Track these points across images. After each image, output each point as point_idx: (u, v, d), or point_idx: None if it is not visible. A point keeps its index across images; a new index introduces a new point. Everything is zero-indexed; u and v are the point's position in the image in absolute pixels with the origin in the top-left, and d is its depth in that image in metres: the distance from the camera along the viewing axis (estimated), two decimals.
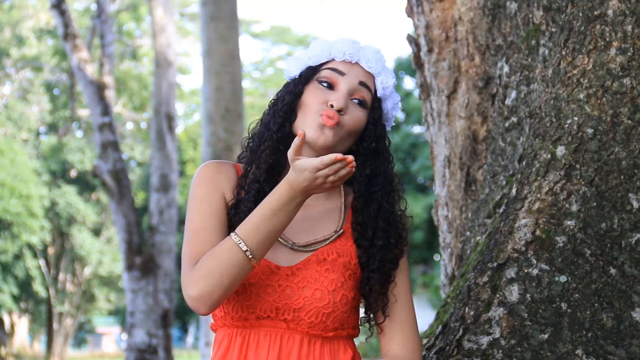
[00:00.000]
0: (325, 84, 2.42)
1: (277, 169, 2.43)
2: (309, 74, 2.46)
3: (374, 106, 2.46)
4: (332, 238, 2.42)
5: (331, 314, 2.34)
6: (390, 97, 2.50)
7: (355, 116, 2.41)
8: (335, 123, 2.36)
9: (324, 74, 2.43)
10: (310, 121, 2.38)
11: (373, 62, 2.45)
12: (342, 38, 2.48)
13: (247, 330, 2.35)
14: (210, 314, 2.43)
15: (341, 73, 2.42)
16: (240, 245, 2.24)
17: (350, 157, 2.16)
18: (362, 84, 2.43)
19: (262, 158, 2.43)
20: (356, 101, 2.42)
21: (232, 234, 2.27)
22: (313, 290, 2.33)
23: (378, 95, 2.47)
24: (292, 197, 2.23)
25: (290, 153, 2.21)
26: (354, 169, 2.19)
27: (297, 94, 2.44)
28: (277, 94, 2.50)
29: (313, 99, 2.40)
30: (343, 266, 2.39)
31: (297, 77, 2.48)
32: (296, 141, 2.19)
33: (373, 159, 2.46)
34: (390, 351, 2.42)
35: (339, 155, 2.16)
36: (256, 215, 2.26)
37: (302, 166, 2.19)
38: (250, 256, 2.24)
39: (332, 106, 2.37)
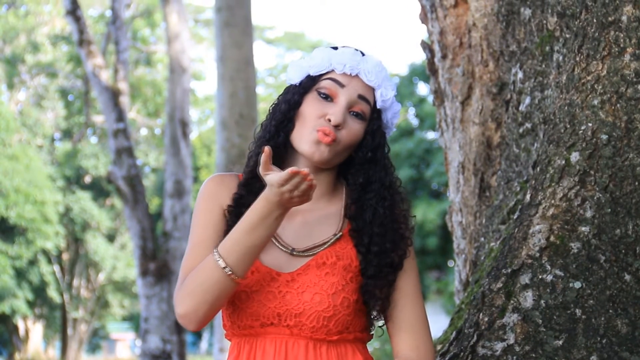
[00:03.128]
0: (324, 96, 2.41)
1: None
2: (309, 83, 2.45)
3: (372, 117, 2.45)
4: (331, 241, 2.41)
5: (332, 317, 2.33)
6: (390, 108, 2.49)
7: (353, 129, 2.41)
8: (332, 140, 2.36)
9: (324, 84, 2.42)
10: (307, 135, 2.38)
11: (373, 75, 2.43)
12: (343, 48, 2.47)
13: (254, 338, 2.36)
14: (222, 324, 2.46)
15: (341, 85, 2.41)
16: (219, 262, 2.26)
17: (305, 171, 2.16)
18: (361, 97, 2.42)
19: (250, 166, 2.46)
20: (354, 114, 2.41)
21: (214, 250, 2.29)
22: (312, 294, 2.33)
23: (377, 107, 2.46)
24: (269, 212, 2.24)
25: (260, 169, 2.23)
26: (313, 181, 2.19)
27: (296, 103, 2.44)
28: (277, 98, 2.50)
29: (311, 111, 2.40)
30: (343, 269, 2.38)
31: (297, 85, 2.47)
32: (263, 157, 2.21)
33: (368, 168, 2.45)
34: (400, 352, 2.41)
35: (294, 169, 2.16)
36: (236, 231, 2.28)
37: (270, 181, 2.21)
38: (229, 272, 2.26)
39: (329, 120, 2.37)
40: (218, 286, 2.27)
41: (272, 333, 2.34)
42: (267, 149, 2.20)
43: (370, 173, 2.45)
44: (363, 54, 2.47)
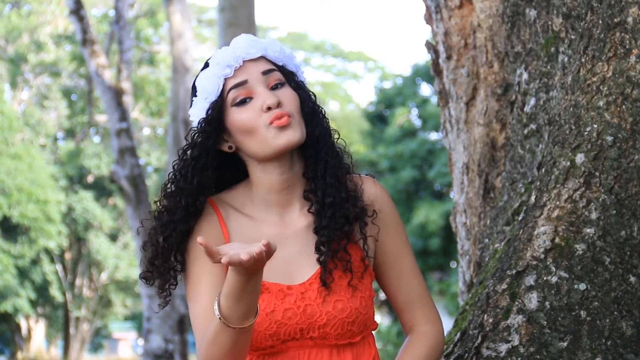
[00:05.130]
0: (243, 101, 2.34)
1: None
2: (217, 111, 2.36)
3: (286, 75, 2.40)
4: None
5: (355, 321, 2.30)
6: (287, 56, 2.43)
7: (288, 96, 2.34)
8: (287, 118, 2.30)
9: (232, 96, 2.34)
10: (265, 137, 2.31)
11: (251, 48, 2.37)
12: (215, 56, 2.38)
13: (274, 355, 2.30)
14: None
15: (244, 82, 2.34)
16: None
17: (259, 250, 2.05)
18: (264, 72, 2.36)
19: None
20: (275, 87, 2.35)
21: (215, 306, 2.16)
22: (333, 302, 2.29)
23: (280, 65, 2.40)
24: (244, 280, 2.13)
25: (212, 262, 2.09)
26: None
27: (219, 135, 2.37)
28: (183, 150, 2.42)
29: (247, 118, 2.32)
30: (352, 266, 2.34)
31: (210, 124, 2.36)
32: (205, 250, 2.04)
33: (315, 123, 2.39)
34: (414, 327, 2.43)
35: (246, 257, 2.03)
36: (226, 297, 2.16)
37: (233, 264, 2.08)
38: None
39: (269, 108, 2.30)
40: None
41: (294, 347, 2.28)
42: (200, 240, 2.02)
43: (315, 124, 2.38)
44: (229, 45, 2.40)
